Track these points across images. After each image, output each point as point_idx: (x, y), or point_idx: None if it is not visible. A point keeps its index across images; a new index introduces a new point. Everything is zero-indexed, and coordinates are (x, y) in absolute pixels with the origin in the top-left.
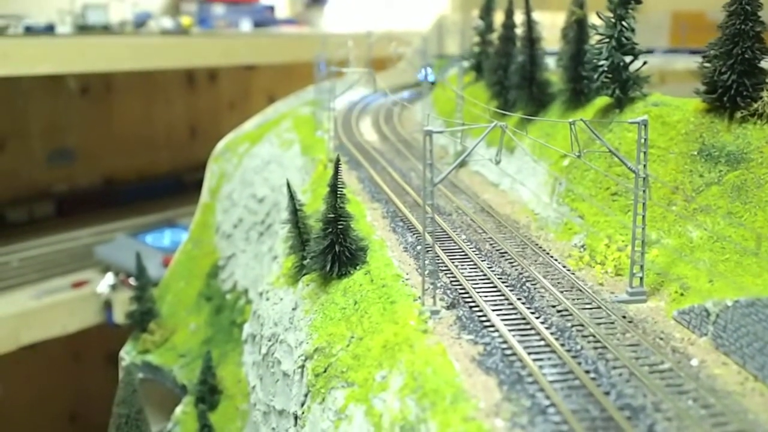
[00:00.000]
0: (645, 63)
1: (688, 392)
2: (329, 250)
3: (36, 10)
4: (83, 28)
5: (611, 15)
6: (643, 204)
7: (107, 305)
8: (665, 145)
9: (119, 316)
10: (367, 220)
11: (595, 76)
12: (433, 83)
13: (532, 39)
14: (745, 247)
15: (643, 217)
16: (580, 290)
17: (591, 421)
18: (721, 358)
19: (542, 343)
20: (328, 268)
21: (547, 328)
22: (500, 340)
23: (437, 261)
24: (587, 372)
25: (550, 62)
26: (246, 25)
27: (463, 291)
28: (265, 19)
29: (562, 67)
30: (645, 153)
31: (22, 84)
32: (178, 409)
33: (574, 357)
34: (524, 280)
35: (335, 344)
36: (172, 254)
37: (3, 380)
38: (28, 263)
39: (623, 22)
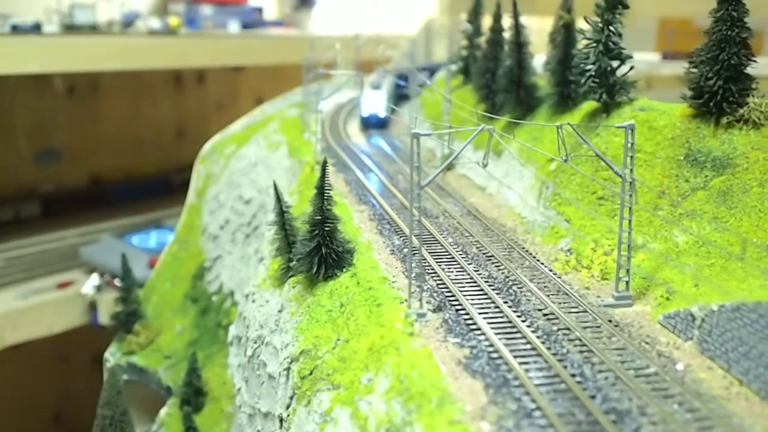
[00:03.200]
0: (632, 68)
1: (674, 396)
2: (316, 252)
3: (23, 8)
4: (70, 28)
5: (599, 20)
6: (630, 208)
7: (92, 306)
8: (652, 149)
9: (104, 317)
10: (354, 222)
11: (583, 81)
12: (384, 122)
13: (519, 43)
14: (731, 252)
15: (630, 221)
16: (567, 294)
17: (577, 424)
18: (707, 362)
19: (528, 346)
20: (314, 270)
21: (533, 331)
22: (486, 343)
23: (424, 264)
24: (573, 376)
25: (538, 66)
26: (234, 26)
27: (449, 294)
28: (253, 21)
29: (550, 71)
30: (632, 157)
31: (8, 83)
32: (163, 411)
33: (560, 360)
34: (511, 283)
35: (321, 346)
36: (158, 255)
37: None
38: (13, 263)
39: (611, 27)
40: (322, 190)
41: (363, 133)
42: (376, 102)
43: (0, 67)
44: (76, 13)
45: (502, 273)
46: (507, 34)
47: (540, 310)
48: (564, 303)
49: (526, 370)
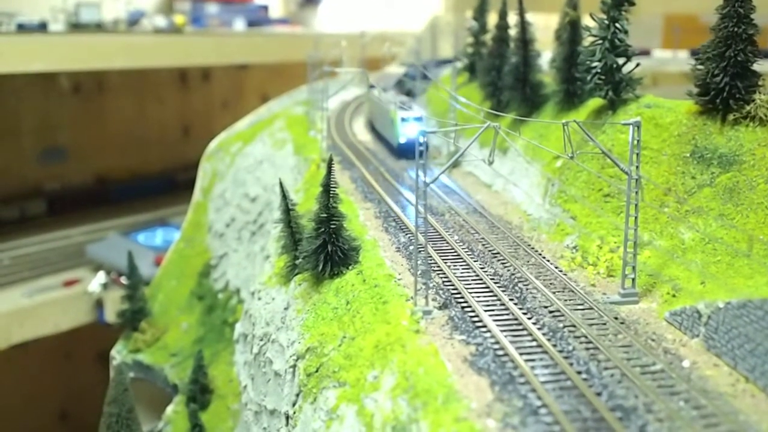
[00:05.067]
0: (638, 65)
1: (680, 393)
2: (321, 249)
3: (29, 7)
4: (76, 26)
5: (604, 17)
6: (636, 205)
7: (99, 304)
8: (658, 146)
9: (111, 315)
10: (360, 220)
11: (588, 78)
12: None
13: (525, 40)
14: (737, 249)
15: (636, 218)
16: (572, 291)
17: (583, 421)
18: (713, 359)
19: (534, 343)
20: (320, 267)
21: (539, 328)
22: (492, 340)
23: (429, 261)
24: (579, 373)
25: (543, 63)
26: (239, 24)
27: (455, 291)
28: (258, 19)
29: (556, 69)
30: (638, 154)
31: (14, 82)
32: (169, 409)
33: (566, 358)
34: (516, 280)
35: (327, 344)
36: (164, 253)
37: None
38: (19, 261)
39: (616, 24)
40: (327, 188)
41: (397, 163)
42: (412, 125)
43: (6, 65)
44: (82, 11)
45: (508, 270)
46: (513, 32)
47: (546, 307)
48: (570, 300)
49: (532, 368)
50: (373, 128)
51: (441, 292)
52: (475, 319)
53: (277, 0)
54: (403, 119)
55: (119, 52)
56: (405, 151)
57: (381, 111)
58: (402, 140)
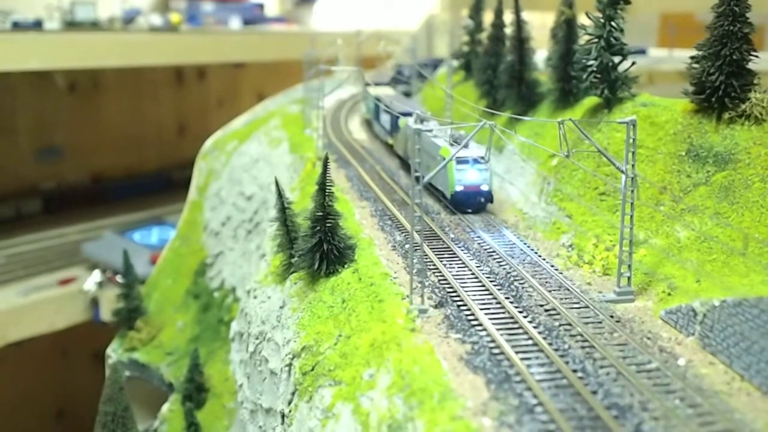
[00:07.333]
0: (634, 63)
1: (675, 391)
2: (317, 248)
3: (24, 5)
4: (71, 24)
5: (600, 15)
6: (631, 204)
7: (94, 302)
8: (653, 145)
9: (106, 314)
10: (356, 218)
11: (584, 76)
12: (488, 198)
13: (521, 39)
14: (732, 248)
15: (631, 216)
16: (568, 290)
17: (578, 420)
18: (708, 357)
19: (530, 342)
20: (316, 266)
21: (534, 327)
22: (488, 339)
23: (425, 260)
24: (575, 371)
25: (539, 62)
26: (235, 22)
27: (451, 290)
28: (254, 17)
29: (551, 67)
30: (633, 153)
31: (9, 80)
32: (165, 407)
33: (561, 356)
34: (512, 279)
35: (323, 342)
36: (160, 252)
37: None
38: (14, 260)
39: (612, 23)
40: (323, 186)
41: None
42: (471, 171)
43: (1, 63)
44: (77, 9)
45: (504, 269)
46: (508, 30)
47: (542, 305)
48: (565, 299)
49: (528, 366)
50: (404, 163)
51: (437, 290)
52: (471, 317)
53: None
54: (459, 161)
55: (115, 50)
56: (462, 203)
57: (424, 146)
58: (458, 188)
